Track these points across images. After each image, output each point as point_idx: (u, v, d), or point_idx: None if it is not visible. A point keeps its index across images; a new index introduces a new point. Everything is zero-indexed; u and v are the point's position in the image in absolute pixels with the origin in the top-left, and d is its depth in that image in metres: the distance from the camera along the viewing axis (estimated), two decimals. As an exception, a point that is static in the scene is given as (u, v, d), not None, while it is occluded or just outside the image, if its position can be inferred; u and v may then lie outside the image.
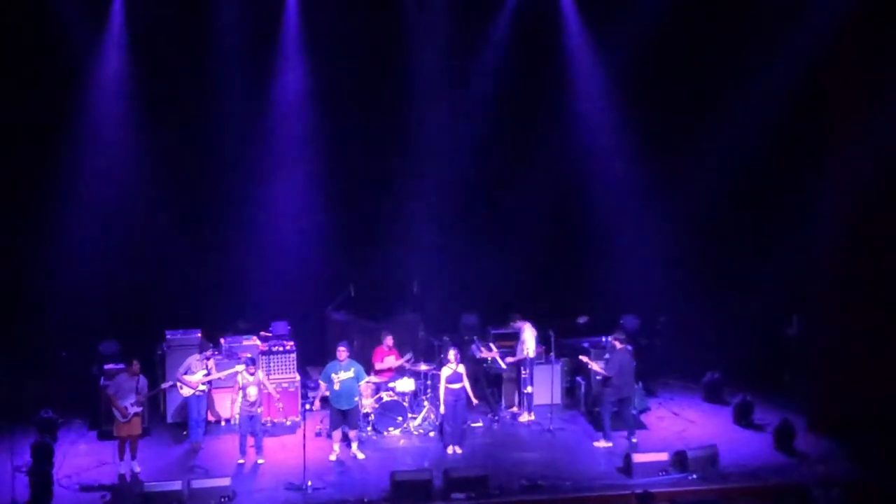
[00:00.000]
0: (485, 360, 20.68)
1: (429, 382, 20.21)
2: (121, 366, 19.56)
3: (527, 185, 23.02)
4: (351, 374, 18.63)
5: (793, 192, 20.74)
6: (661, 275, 22.49)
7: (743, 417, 20.14)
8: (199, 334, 20.46)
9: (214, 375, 19.18)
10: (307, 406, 18.68)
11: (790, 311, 21.37)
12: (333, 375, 18.57)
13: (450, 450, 18.97)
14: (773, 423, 19.43)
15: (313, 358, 21.67)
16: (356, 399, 18.79)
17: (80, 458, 18.61)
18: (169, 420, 20.02)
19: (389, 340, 20.14)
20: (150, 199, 21.72)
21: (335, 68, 21.82)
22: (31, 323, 21.02)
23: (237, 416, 18.94)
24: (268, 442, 19.04)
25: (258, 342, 20.72)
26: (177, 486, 16.87)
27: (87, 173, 21.32)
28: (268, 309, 21.86)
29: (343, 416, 18.65)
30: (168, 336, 20.35)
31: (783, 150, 21.20)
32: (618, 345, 19.27)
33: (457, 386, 18.93)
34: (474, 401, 19.34)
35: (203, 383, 18.97)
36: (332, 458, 18.58)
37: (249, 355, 19.37)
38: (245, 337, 20.81)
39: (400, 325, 21.75)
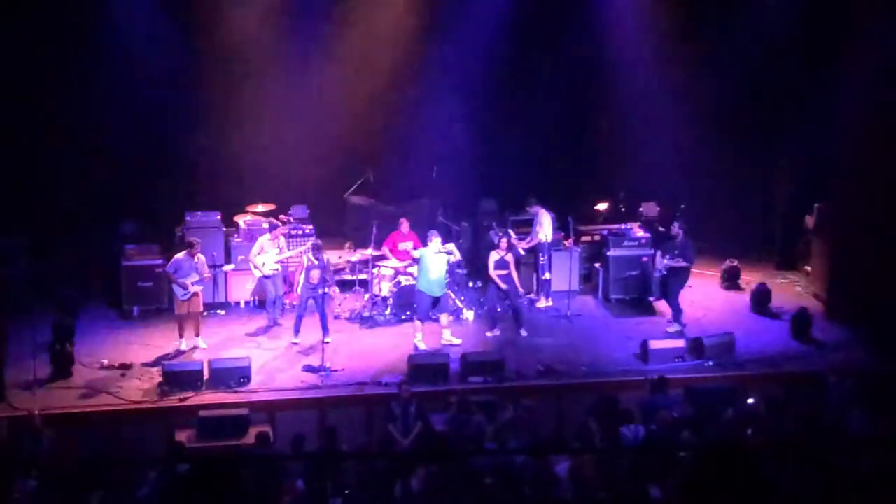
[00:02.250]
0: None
1: (446, 268, 20.20)
2: (143, 246, 19.77)
3: (548, 70, 22.77)
4: (443, 261, 18.52)
5: (816, 79, 20.51)
6: (681, 162, 22.33)
7: (760, 305, 20.15)
8: (219, 216, 20.50)
9: (286, 254, 19.24)
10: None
11: (811, 199, 21.23)
12: (431, 261, 18.39)
13: (489, 333, 19.05)
14: (791, 311, 19.47)
15: (332, 242, 21.70)
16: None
17: (101, 336, 18.81)
18: (228, 300, 20.17)
19: (405, 226, 20.11)
20: (173, 78, 21.55)
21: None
22: (52, 202, 21.09)
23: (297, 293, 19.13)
24: (286, 323, 19.18)
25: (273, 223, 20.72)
26: (196, 365, 17.07)
27: (109, 53, 21.17)
28: (288, 192, 21.86)
29: (436, 303, 18.55)
30: (188, 217, 20.39)
31: (806, 38, 20.91)
32: (681, 233, 19.14)
33: (502, 272, 18.98)
34: (519, 289, 19.41)
35: (276, 262, 19.05)
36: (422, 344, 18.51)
37: (316, 240, 19.41)
38: (264, 220, 20.80)
39: (418, 209, 21.73)
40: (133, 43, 21.30)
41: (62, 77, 21.07)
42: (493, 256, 19.04)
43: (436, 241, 18.50)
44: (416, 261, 18.71)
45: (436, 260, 18.41)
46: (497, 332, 19.00)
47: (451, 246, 18.91)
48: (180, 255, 18.23)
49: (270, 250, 19.05)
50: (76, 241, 20.76)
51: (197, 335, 18.35)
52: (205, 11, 21.40)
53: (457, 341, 18.57)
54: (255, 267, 19.00)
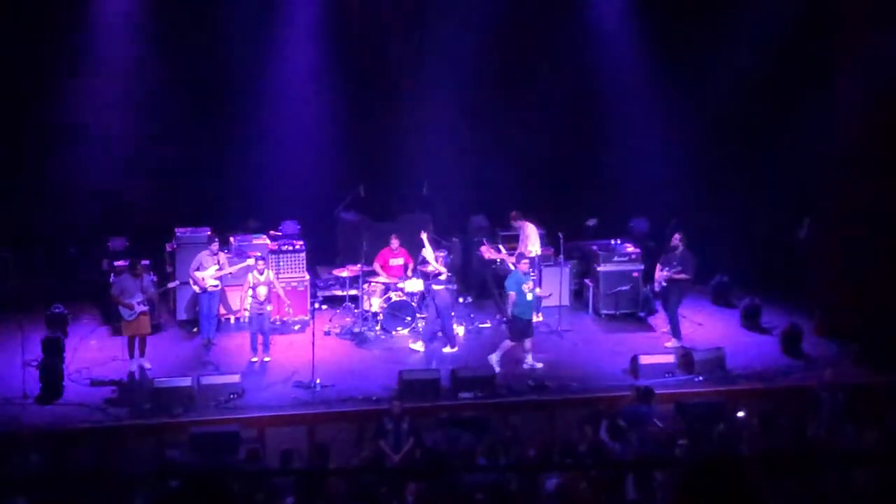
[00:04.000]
0: (493, 261, 20.69)
1: (437, 283, 20.24)
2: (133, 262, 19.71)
3: (538, 86, 22.81)
4: (531, 283, 18.44)
5: (806, 94, 20.59)
6: (671, 177, 22.40)
7: (750, 320, 20.18)
8: (209, 232, 20.47)
9: (226, 270, 19.15)
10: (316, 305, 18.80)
11: (801, 214, 21.29)
12: (525, 286, 18.21)
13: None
14: (781, 326, 19.49)
15: (323, 258, 21.71)
16: None
17: (91, 352, 18.76)
18: (180, 317, 20.08)
19: (395, 242, 20.10)
20: (163, 95, 21.58)
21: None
22: (42, 219, 21.06)
23: (247, 314, 19.06)
24: (277, 340, 19.14)
25: (268, 241, 20.72)
26: (187, 381, 17.03)
27: (99, 68, 21.20)
28: (278, 208, 21.86)
29: (529, 326, 18.42)
30: (178, 233, 20.35)
31: (797, 56, 21.04)
32: (682, 246, 19.16)
33: (439, 288, 19.02)
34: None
35: (215, 278, 18.99)
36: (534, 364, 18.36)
37: (258, 254, 19.38)
38: (255, 236, 20.80)
39: (409, 225, 21.71)
40: (121, 58, 21.32)
41: (50, 92, 21.04)
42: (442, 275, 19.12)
43: (524, 263, 18.47)
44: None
45: (528, 283, 18.34)
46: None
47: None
48: (124, 276, 18.12)
49: (210, 266, 18.99)
50: (65, 257, 20.71)
51: (142, 355, 18.12)
52: (196, 28, 21.43)
53: (538, 365, 18.38)
54: (195, 282, 18.95)
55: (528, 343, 18.43)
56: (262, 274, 18.50)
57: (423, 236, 19.58)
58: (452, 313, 19.38)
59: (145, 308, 17.98)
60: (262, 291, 18.36)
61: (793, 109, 21.14)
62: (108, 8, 21.16)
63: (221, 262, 19.10)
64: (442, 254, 20.01)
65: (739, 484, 6.11)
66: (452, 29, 22.38)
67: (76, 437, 16.11)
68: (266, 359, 18.39)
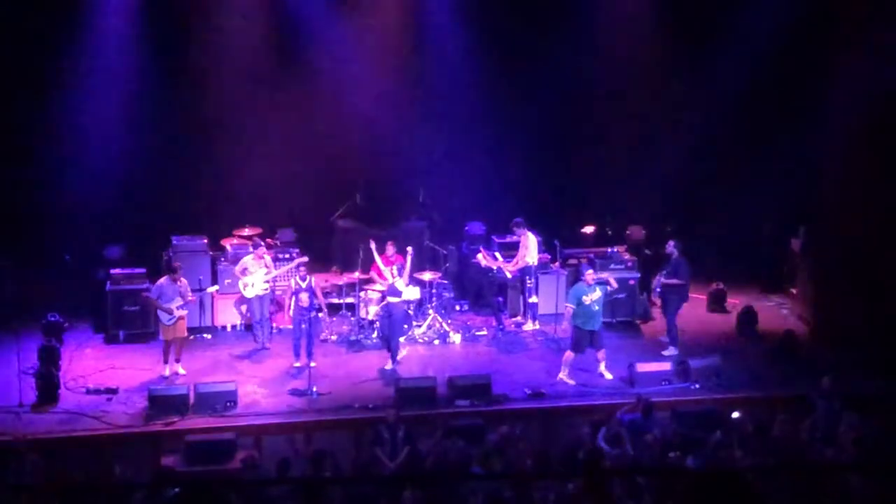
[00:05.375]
0: (490, 269, 20.68)
1: (433, 291, 20.21)
2: (127, 270, 19.68)
3: (534, 93, 22.82)
4: (598, 293, 18.19)
5: (802, 102, 20.63)
6: (667, 185, 22.41)
7: (746, 328, 20.17)
8: (206, 240, 20.45)
9: (274, 272, 19.18)
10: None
11: (797, 222, 21.31)
12: (585, 297, 18.00)
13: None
14: (776, 334, 19.48)
15: (319, 265, 21.67)
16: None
17: (86, 361, 18.72)
18: (214, 324, 20.06)
19: (391, 250, 20.08)
20: (157, 103, 21.57)
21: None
22: (38, 227, 21.03)
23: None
24: (276, 348, 19.14)
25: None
26: (182, 389, 17.00)
27: (94, 77, 21.21)
28: (274, 216, 21.84)
29: (591, 337, 18.16)
30: (174, 241, 20.33)
31: (793, 60, 21.06)
32: (676, 252, 19.17)
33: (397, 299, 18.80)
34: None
35: (265, 282, 19.00)
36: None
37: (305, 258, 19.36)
38: (252, 243, 20.74)
39: (405, 233, 21.70)
40: (117, 65, 21.34)
41: (46, 99, 21.02)
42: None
43: (589, 274, 18.28)
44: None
45: (592, 294, 18.09)
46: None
47: (606, 274, 18.98)
48: (163, 280, 18.15)
49: (256, 270, 18.99)
50: (62, 264, 20.69)
51: (177, 360, 18.19)
52: (192, 36, 21.46)
53: (609, 375, 18.20)
54: (244, 286, 18.99)
55: (600, 353, 18.24)
56: (304, 280, 18.52)
57: (372, 246, 19.38)
58: (405, 326, 19.32)
59: (185, 312, 18.00)
60: (305, 297, 18.34)
61: (791, 114, 21.17)
62: (105, 19, 21.14)
63: (268, 264, 19.12)
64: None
65: (742, 495, 6.11)
66: (448, 36, 22.40)
67: (72, 445, 16.06)
68: (312, 364, 18.07)
